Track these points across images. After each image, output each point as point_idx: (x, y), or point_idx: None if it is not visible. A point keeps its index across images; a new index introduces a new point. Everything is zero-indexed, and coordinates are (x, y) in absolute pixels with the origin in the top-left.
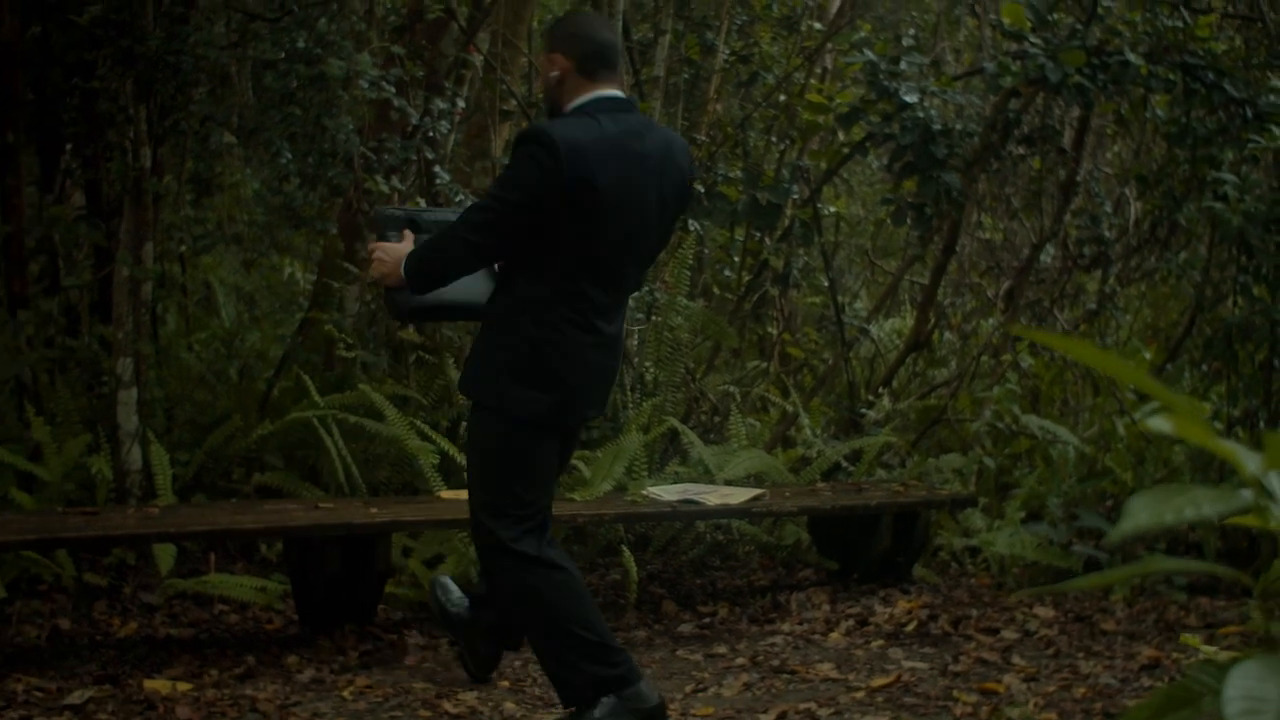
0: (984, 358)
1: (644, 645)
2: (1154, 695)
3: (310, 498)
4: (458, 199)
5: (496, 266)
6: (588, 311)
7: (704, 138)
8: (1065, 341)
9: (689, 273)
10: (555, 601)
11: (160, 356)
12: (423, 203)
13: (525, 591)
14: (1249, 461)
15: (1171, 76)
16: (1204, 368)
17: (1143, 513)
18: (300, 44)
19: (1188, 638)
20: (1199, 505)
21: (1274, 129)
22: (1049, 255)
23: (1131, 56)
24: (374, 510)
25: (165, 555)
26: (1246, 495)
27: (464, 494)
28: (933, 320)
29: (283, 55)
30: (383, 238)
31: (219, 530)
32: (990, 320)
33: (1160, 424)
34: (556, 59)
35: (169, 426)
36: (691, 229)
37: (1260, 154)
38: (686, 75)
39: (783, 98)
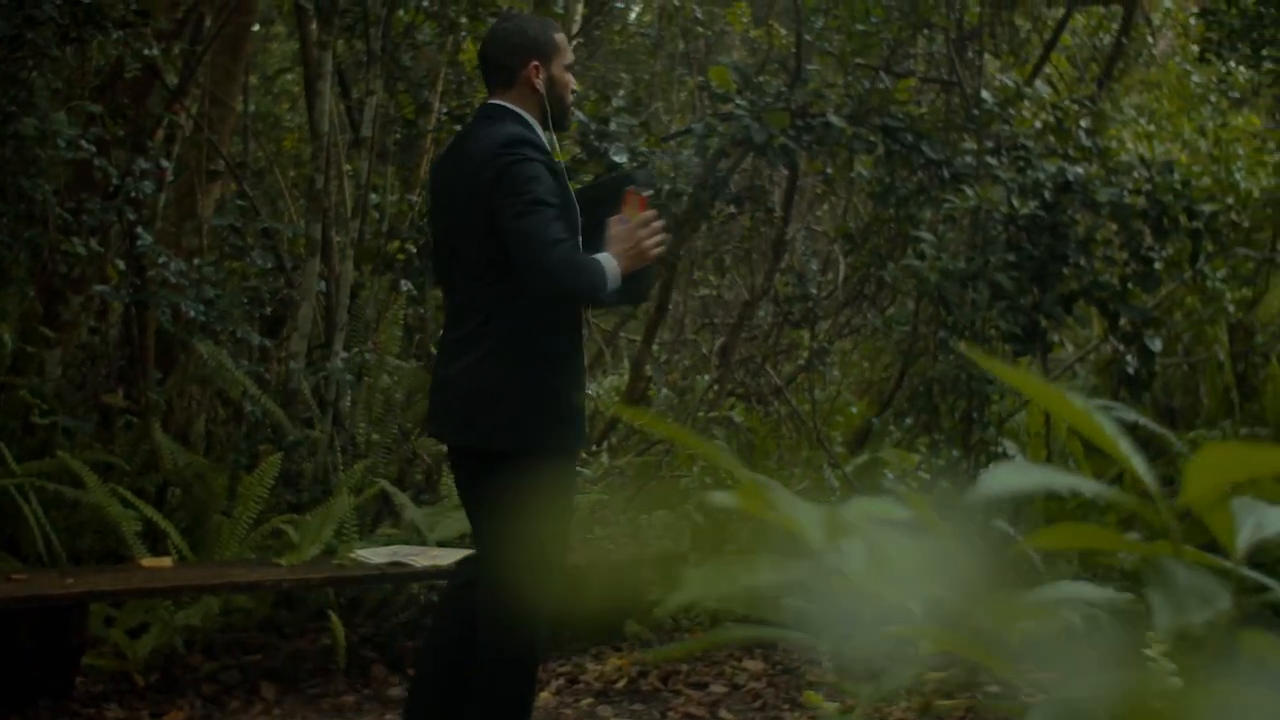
0: (700, 413)
1: (353, 710)
2: None
3: (5, 569)
4: (160, 260)
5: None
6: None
7: (417, 198)
8: (666, 427)
9: (401, 333)
10: None
11: None
12: (121, 264)
13: None
14: (814, 532)
15: (873, 138)
16: (909, 420)
17: (697, 584)
18: None
19: (810, 695)
20: (757, 574)
21: (967, 189)
22: (764, 311)
23: (834, 119)
24: (70, 580)
25: None
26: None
27: (165, 561)
28: (649, 377)
29: None
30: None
31: None
32: (705, 376)
33: (725, 500)
34: None
35: None
36: (404, 289)
37: (956, 213)
38: (399, 135)
39: None
